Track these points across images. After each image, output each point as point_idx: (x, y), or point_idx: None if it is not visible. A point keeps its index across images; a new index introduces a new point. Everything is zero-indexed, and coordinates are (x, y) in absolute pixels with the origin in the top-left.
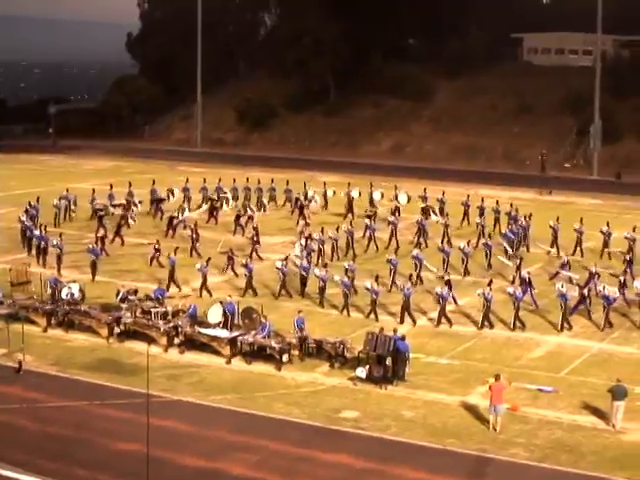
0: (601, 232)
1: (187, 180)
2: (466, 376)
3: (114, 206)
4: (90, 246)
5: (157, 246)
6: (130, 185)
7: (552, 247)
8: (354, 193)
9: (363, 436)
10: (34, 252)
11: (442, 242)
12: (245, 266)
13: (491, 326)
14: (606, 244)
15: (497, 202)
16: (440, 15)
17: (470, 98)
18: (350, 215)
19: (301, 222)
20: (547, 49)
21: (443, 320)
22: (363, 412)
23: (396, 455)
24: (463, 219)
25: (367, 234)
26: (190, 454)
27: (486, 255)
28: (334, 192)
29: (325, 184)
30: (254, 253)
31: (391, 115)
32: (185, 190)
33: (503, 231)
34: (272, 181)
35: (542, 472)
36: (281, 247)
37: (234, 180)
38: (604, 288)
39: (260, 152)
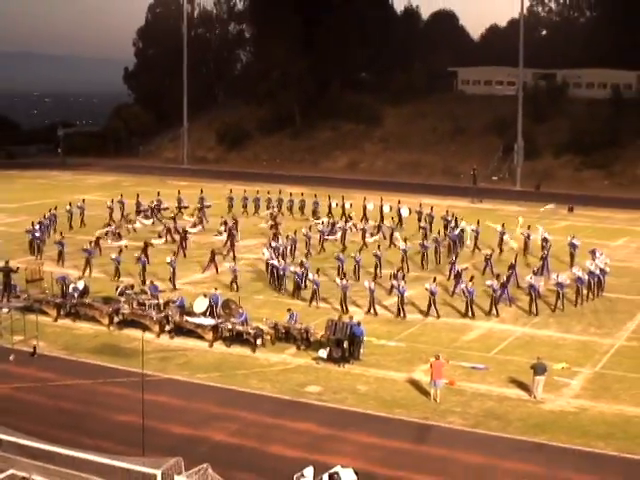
0: (499, 231)
1: (231, 191)
2: (411, 356)
3: (163, 209)
4: (84, 246)
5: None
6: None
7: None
8: (369, 206)
9: (325, 407)
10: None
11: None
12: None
13: (473, 315)
14: (501, 241)
15: (447, 211)
16: (388, 52)
17: (413, 122)
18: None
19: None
20: (477, 80)
21: (432, 312)
22: (325, 387)
23: (353, 423)
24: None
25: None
26: (179, 424)
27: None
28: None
29: (291, 194)
30: (231, 253)
31: (347, 137)
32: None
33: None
34: (280, 192)
35: (475, 436)
36: (254, 248)
37: (230, 190)
38: (562, 276)
39: (237, 168)
